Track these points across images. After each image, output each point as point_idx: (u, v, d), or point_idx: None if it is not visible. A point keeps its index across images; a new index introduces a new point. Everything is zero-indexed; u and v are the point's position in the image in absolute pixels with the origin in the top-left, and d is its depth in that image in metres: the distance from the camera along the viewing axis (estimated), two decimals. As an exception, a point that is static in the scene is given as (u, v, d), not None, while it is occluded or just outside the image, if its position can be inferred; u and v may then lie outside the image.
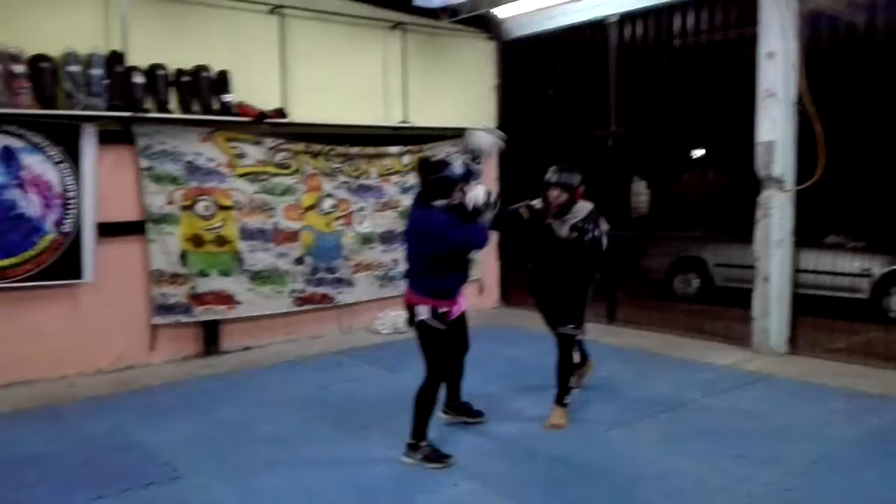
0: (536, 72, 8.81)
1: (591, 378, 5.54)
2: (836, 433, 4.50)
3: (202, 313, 6.74)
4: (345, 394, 5.64)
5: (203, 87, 6.58)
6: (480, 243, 4.16)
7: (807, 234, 6.57)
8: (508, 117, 8.89)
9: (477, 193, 4.08)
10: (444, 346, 4.27)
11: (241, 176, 6.94)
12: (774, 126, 6.36)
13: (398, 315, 7.73)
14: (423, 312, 4.18)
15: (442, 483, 3.96)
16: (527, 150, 8.87)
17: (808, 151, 6.27)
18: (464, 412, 4.84)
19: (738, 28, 6.69)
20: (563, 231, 4.67)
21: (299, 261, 7.34)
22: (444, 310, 4.23)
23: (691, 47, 7.14)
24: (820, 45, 6.16)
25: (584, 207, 4.73)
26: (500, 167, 8.90)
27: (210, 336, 6.87)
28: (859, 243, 7.66)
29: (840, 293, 7.82)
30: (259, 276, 7.07)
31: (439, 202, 4.12)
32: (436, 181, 4.11)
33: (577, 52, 8.24)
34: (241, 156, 6.92)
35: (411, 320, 4.29)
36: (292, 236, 7.28)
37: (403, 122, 8.02)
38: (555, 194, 4.61)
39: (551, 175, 4.66)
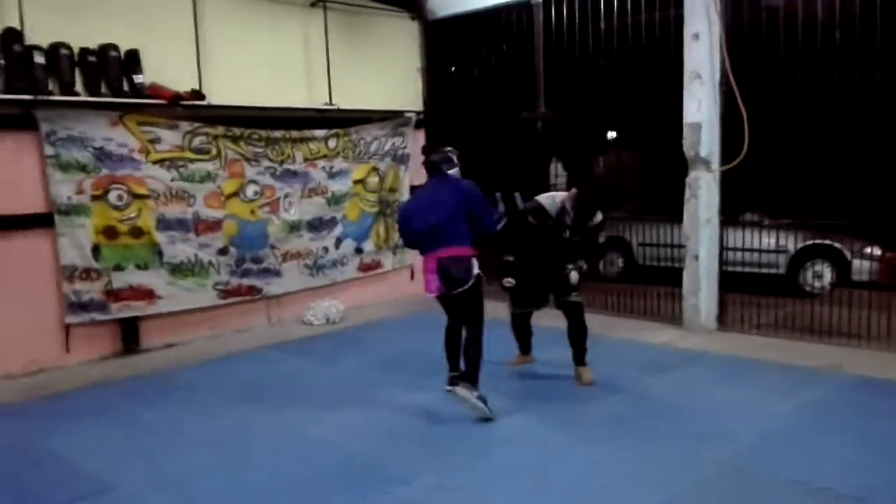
0: (463, 53, 8.69)
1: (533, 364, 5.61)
2: (775, 408, 4.61)
3: (119, 310, 6.30)
4: (279, 390, 5.39)
5: (111, 67, 6.11)
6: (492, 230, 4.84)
7: (727, 213, 6.74)
8: (436, 99, 8.74)
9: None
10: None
11: (157, 162, 6.49)
12: (700, 107, 6.47)
13: (331, 305, 7.52)
14: (476, 266, 4.61)
15: (395, 481, 3.81)
16: (455, 133, 8.77)
17: (733, 132, 6.41)
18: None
19: (662, 10, 6.75)
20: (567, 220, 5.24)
21: (223, 251, 6.96)
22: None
23: (617, 29, 7.16)
24: (743, 26, 6.28)
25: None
26: (429, 151, 8.75)
27: (129, 334, 6.44)
28: (775, 220, 7.94)
29: (759, 269, 8.11)
30: (180, 269, 6.66)
31: (453, 171, 4.78)
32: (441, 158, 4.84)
33: (503, 34, 8.15)
34: (155, 141, 6.48)
35: (453, 285, 4.59)
36: (214, 226, 6.89)
37: (328, 104, 7.71)
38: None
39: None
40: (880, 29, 5.52)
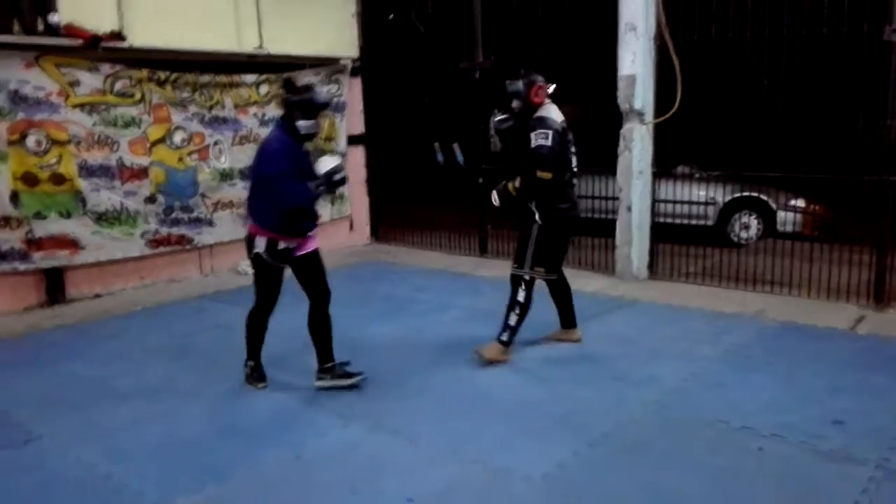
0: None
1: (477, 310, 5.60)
2: (700, 352, 4.78)
3: (42, 259, 6.06)
4: (213, 340, 5.30)
5: (23, 5, 5.75)
6: (299, 204, 4.04)
7: (660, 165, 6.85)
8: (372, 46, 8.54)
9: (327, 163, 4.04)
10: (273, 282, 4.22)
11: (77, 106, 6.20)
12: (635, 60, 6.50)
13: (265, 255, 7.35)
14: (260, 245, 4.06)
15: (331, 426, 3.82)
16: (392, 81, 8.60)
17: (666, 85, 6.47)
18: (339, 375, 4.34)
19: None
20: None
21: (150, 200, 6.74)
22: (285, 245, 4.09)
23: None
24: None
25: None
26: (366, 100, 8.59)
27: (53, 284, 6.23)
28: (706, 173, 8.13)
29: (689, 221, 8.31)
30: (105, 218, 6.43)
31: (302, 123, 3.96)
32: (298, 102, 3.97)
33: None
34: (74, 84, 6.17)
35: (249, 252, 4.16)
36: (140, 173, 6.65)
37: (258, 48, 7.44)
38: None
39: None
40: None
